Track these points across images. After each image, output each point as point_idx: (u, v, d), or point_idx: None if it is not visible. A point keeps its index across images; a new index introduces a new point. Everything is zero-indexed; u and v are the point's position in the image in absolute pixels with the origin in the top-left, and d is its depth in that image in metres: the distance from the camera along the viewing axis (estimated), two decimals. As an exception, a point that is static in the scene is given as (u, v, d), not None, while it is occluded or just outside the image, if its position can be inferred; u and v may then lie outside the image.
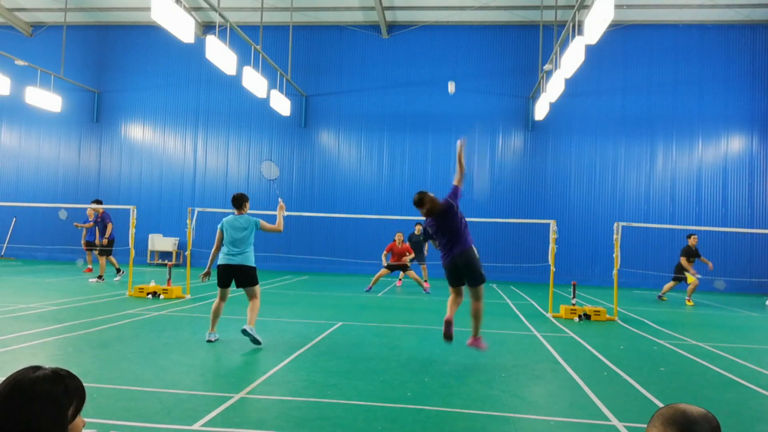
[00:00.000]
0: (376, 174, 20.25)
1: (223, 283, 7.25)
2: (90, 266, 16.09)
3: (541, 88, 17.46)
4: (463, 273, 6.53)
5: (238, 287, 7.30)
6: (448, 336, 6.53)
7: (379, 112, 20.33)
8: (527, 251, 19.04)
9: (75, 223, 15.35)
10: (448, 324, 6.52)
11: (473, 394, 5.27)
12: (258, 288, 7.32)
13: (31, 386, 1.44)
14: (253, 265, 7.26)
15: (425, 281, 14.95)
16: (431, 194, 6.54)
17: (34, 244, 20.87)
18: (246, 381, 5.42)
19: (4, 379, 1.50)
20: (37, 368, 1.50)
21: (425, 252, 15.71)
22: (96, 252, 14.61)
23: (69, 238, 20.34)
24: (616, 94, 19.44)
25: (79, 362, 5.94)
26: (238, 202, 7.37)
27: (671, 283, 14.66)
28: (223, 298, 7.30)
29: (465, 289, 6.72)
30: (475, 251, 6.60)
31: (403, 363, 6.44)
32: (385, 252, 14.75)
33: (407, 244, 15.01)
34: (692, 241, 14.25)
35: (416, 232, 15.71)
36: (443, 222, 6.50)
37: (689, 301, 14.08)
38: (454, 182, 6.66)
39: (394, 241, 14.69)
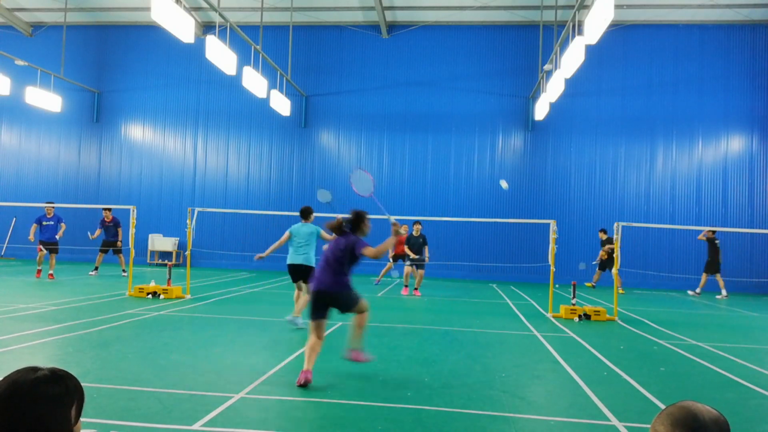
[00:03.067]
0: (376, 174, 20.23)
1: (294, 279, 8.91)
2: (96, 270, 16.15)
3: (541, 88, 17.45)
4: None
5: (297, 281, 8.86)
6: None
7: (379, 112, 20.33)
8: (527, 251, 19.03)
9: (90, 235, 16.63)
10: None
11: (473, 394, 5.27)
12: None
13: (33, 388, 1.41)
14: (312, 265, 8.67)
15: (416, 288, 13.86)
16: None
17: (34, 244, 20.82)
18: (246, 381, 5.42)
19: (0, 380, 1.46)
20: (35, 369, 1.47)
21: (426, 256, 14.02)
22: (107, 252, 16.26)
23: (69, 239, 20.32)
24: (616, 94, 19.43)
25: (79, 362, 5.93)
26: (305, 213, 9.02)
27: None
28: (299, 288, 8.81)
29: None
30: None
31: (403, 363, 6.44)
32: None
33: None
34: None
35: (414, 233, 14.02)
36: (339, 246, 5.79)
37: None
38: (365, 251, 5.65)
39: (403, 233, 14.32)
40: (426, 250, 14.05)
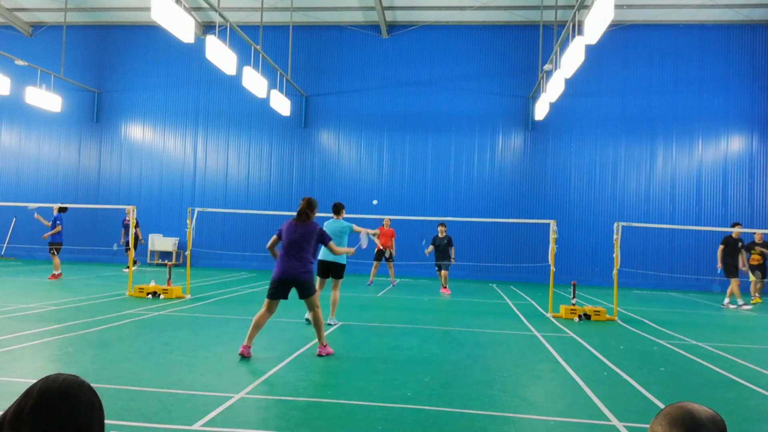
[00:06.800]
0: (376, 174, 20.24)
1: (323, 275, 9.09)
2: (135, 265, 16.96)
3: (541, 88, 17.45)
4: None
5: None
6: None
7: (379, 112, 20.32)
8: (527, 251, 19.03)
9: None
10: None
11: (473, 394, 5.27)
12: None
13: (90, 393, 1.48)
14: (343, 262, 9.00)
15: (444, 286, 14.68)
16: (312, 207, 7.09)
17: (34, 244, 20.84)
18: (246, 381, 5.42)
19: (51, 381, 1.46)
20: (76, 377, 1.50)
21: (452, 257, 14.92)
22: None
23: (69, 239, 20.32)
24: (616, 94, 19.43)
25: (79, 362, 5.93)
26: (336, 209, 9.26)
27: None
28: (321, 286, 8.95)
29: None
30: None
31: (403, 363, 6.44)
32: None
33: (392, 229, 15.78)
34: (737, 231, 13.36)
35: (440, 235, 14.87)
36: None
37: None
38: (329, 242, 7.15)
39: (383, 225, 15.66)
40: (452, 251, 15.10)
